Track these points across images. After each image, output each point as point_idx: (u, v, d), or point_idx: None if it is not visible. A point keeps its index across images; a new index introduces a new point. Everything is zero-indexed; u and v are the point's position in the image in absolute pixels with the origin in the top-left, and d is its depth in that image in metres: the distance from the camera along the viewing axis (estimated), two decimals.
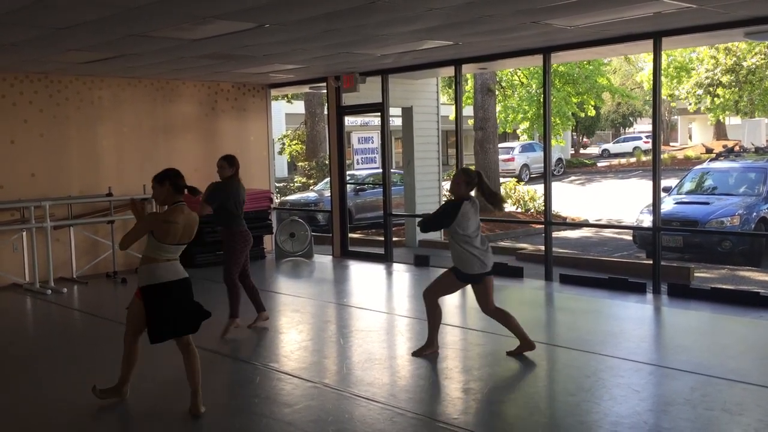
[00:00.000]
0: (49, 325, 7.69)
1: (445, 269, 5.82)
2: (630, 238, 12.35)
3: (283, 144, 24.32)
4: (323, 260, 11.07)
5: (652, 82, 8.16)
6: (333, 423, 4.43)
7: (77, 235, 9.72)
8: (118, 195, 9.93)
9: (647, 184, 8.44)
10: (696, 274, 9.08)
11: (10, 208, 9.18)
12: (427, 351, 5.77)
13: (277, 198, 14.75)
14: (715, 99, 23.16)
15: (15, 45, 7.15)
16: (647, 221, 10.24)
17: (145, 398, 5.01)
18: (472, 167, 8.33)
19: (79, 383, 5.26)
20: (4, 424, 4.60)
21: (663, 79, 15.36)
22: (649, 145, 28.80)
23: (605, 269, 9.49)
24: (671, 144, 41.76)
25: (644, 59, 28.01)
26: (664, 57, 18.17)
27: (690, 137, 44.56)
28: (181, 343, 4.64)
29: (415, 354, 5.77)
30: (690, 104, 24.75)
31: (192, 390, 4.62)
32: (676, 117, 44.76)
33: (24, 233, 9.29)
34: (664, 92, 23.45)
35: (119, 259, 9.99)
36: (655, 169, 8.04)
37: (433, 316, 5.78)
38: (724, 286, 8.17)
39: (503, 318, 5.72)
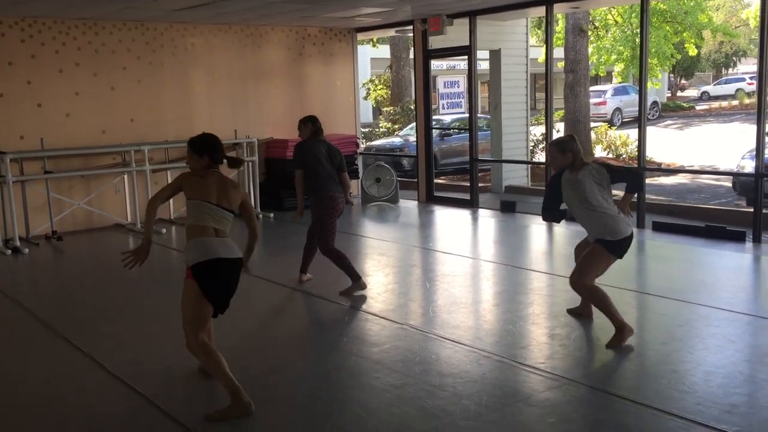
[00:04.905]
0: (150, 263, 8.08)
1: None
2: (730, 185, 11.79)
3: (369, 89, 24.30)
4: (408, 205, 11.14)
5: (759, 19, 7.62)
6: (420, 363, 4.53)
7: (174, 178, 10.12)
8: None
9: (750, 129, 7.99)
10: None
11: (112, 152, 9.64)
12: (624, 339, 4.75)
13: (362, 143, 14.84)
14: None
15: None
16: (749, 167, 9.73)
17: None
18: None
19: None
20: (118, 356, 4.93)
21: None
22: (754, 87, 27.18)
23: (702, 217, 9.14)
24: None
25: None
26: None
27: None
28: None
29: (609, 346, 4.72)
30: None
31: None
32: None
33: (125, 176, 9.76)
34: None
35: None
36: (760, 111, 7.59)
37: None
38: None
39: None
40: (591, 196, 4.72)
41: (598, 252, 4.79)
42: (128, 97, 9.83)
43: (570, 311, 5.41)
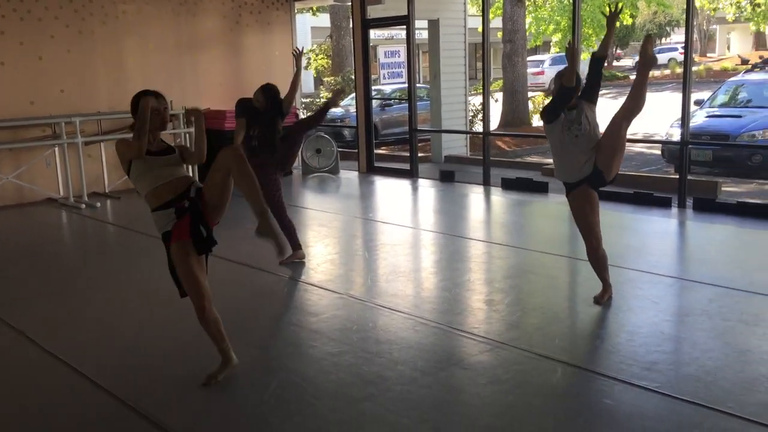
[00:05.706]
0: (86, 238, 7.96)
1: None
2: (660, 153, 12.21)
3: (309, 59, 24.03)
4: (349, 176, 11.17)
5: None
6: (357, 331, 4.61)
7: (108, 151, 9.88)
8: None
9: (680, 97, 8.28)
10: (723, 189, 9.01)
11: (41, 124, 9.34)
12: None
13: (303, 114, 14.73)
14: (756, 7, 22.19)
15: None
16: (676, 135, 10.09)
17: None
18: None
19: (118, 295, 5.52)
20: (52, 332, 4.86)
21: None
22: None
23: (631, 184, 9.43)
24: (708, 55, 40.37)
25: None
26: None
27: (728, 48, 42.99)
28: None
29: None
30: (730, 13, 23.76)
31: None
32: (714, 26, 43.05)
33: (56, 149, 9.48)
34: (704, 4, 22.45)
35: None
36: (686, 80, 7.88)
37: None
38: (750, 201, 8.11)
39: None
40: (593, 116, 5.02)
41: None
42: (57, 67, 9.51)
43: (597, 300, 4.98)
